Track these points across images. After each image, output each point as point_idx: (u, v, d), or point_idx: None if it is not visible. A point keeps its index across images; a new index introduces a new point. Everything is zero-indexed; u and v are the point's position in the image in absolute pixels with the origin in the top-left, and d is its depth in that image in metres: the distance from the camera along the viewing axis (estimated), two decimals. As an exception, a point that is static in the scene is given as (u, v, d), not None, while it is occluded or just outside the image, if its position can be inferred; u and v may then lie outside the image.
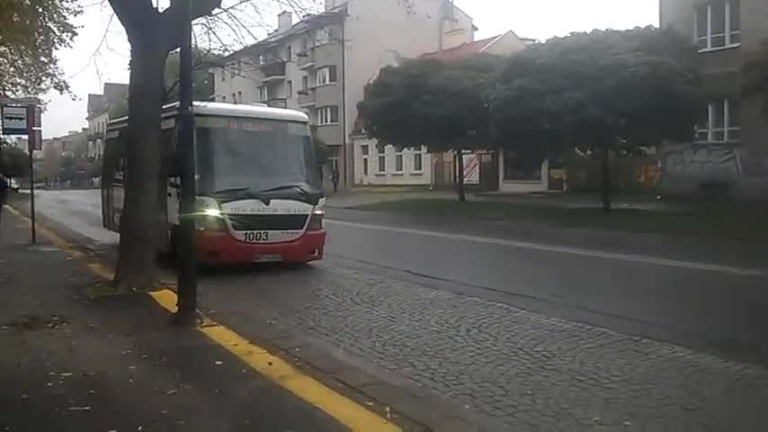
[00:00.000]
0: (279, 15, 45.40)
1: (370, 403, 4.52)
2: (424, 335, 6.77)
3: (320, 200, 11.55)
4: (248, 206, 10.63)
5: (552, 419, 4.51)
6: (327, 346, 6.34)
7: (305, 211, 11.20)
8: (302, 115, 12.62)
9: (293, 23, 47.17)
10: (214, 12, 10.53)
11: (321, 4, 27.67)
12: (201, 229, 9.47)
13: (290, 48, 55.36)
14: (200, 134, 9.81)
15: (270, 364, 5.44)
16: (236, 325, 6.75)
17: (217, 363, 5.55)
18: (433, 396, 4.97)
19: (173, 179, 10.22)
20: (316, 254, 11.42)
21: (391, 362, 5.86)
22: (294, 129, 12.13)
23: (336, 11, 45.42)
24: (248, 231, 10.62)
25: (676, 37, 21.15)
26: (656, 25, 23.67)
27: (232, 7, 11.94)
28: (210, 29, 12.44)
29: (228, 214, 10.51)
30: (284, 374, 5.19)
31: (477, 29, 54.69)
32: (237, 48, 14.84)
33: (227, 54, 16.94)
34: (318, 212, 11.44)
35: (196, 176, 9.01)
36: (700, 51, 22.13)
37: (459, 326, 7.11)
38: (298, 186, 11.37)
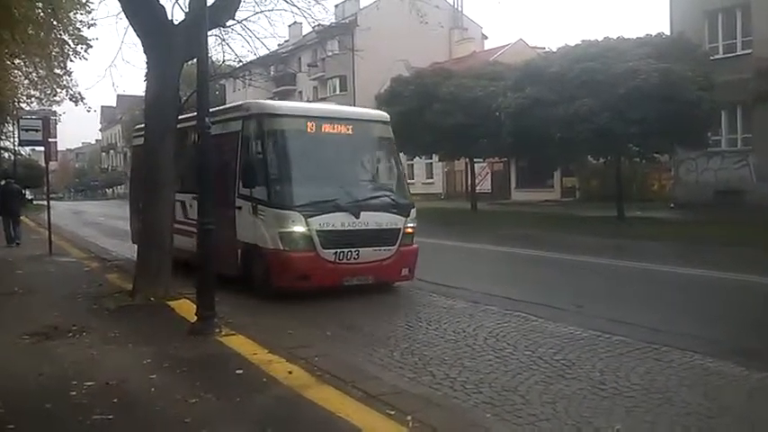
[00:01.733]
0: (289, 26, 45.65)
1: (392, 412, 4.54)
2: (441, 344, 6.78)
3: (411, 211, 10.17)
4: (337, 220, 9.29)
5: (573, 428, 4.50)
6: (347, 355, 6.35)
7: (397, 224, 9.83)
8: (385, 115, 11.09)
9: (303, 34, 47.46)
10: (228, 23, 10.66)
11: (332, 14, 27.91)
12: (286, 249, 9.03)
13: (300, 58, 55.70)
14: (277, 137, 9.56)
15: (290, 372, 5.47)
16: (256, 334, 6.78)
17: (237, 372, 5.58)
18: (454, 405, 4.98)
19: (245, 190, 9.53)
20: (407, 273, 10.00)
21: (410, 371, 5.87)
22: (378, 130, 10.70)
23: (346, 21, 45.62)
24: (338, 250, 9.23)
25: (687, 44, 21.10)
26: (667, 32, 23.61)
27: (246, 19, 12.10)
28: (224, 40, 12.61)
29: (317, 230, 9.11)
30: (304, 383, 5.21)
31: (486, 37, 54.77)
32: (250, 58, 15.02)
33: (239, 65, 17.15)
34: (411, 226, 10.05)
35: (276, 187, 9.32)
36: (711, 58, 22.05)
37: (476, 335, 7.11)
38: (388, 196, 10.15)
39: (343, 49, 36.03)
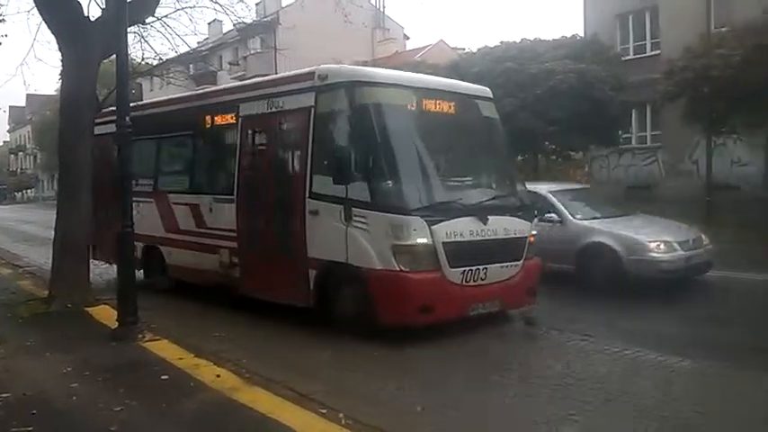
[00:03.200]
0: (210, 24, 44.70)
1: (324, 411, 4.55)
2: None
3: (534, 213, 8.16)
4: (465, 228, 6.97)
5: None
6: (276, 356, 6.31)
7: (524, 231, 7.60)
8: (488, 90, 8.52)
9: (224, 32, 46.56)
10: (148, 20, 10.39)
11: (254, 11, 27.53)
12: (403, 269, 6.59)
13: (221, 56, 54.54)
14: (378, 116, 7.01)
15: (218, 376, 5.39)
16: (181, 338, 6.63)
17: (162, 377, 5.46)
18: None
19: (325, 188, 7.10)
20: (531, 296, 7.71)
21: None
22: (487, 108, 8.25)
23: (268, 19, 45.11)
24: (465, 268, 6.92)
25: (601, 46, 21.97)
26: (582, 34, 24.50)
27: (166, 16, 11.80)
28: (143, 38, 12.25)
29: (443, 242, 6.79)
30: (233, 386, 5.15)
31: (408, 38, 55.14)
32: (171, 56, 14.66)
33: (157, 63, 16.69)
34: (534, 233, 7.84)
35: (385, 184, 6.77)
36: (623, 59, 23.03)
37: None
38: (512, 195, 8.03)
39: (265, 47, 35.52)
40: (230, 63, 53.21)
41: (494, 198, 7.63)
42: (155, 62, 15.37)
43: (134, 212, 7.16)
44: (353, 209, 6.85)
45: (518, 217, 7.61)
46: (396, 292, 6.63)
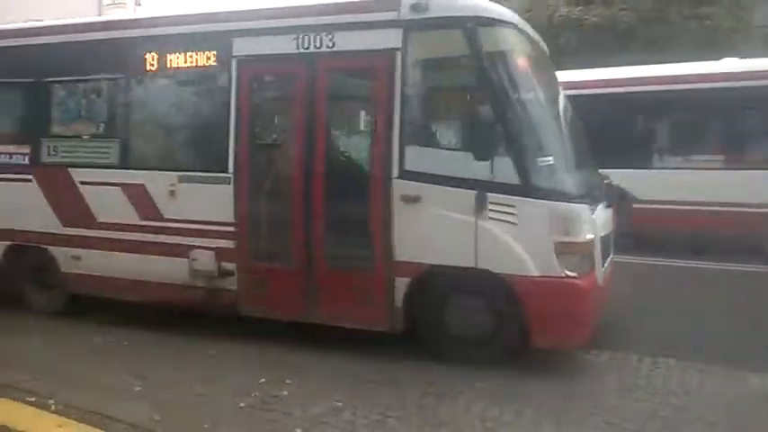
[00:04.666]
0: None
1: (32, 399, 4.36)
2: None
3: None
4: (600, 218, 5.44)
5: None
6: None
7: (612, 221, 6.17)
8: None
9: None
10: None
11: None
12: (570, 275, 4.84)
13: None
14: (524, 68, 5.28)
15: None
16: None
17: None
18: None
19: (425, 163, 5.11)
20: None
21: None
22: None
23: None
24: (603, 269, 5.42)
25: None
26: None
27: None
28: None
29: (600, 236, 5.26)
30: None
31: (140, 4, 49.66)
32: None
33: None
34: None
35: (544, 159, 4.86)
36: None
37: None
38: (603, 175, 6.39)
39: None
40: None
41: (600, 180, 6.17)
42: None
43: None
44: (491, 194, 4.93)
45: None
46: (566, 306, 4.85)
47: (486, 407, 4.39)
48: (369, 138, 5.52)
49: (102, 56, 6.40)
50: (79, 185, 6.44)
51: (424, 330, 5.31)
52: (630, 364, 5.32)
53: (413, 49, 5.17)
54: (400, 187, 5.16)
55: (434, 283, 5.19)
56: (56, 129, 6.69)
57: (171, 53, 6.02)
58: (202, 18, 6.04)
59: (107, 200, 6.32)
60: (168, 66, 6.06)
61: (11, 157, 6.77)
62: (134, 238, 6.19)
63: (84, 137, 6.56)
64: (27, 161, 6.70)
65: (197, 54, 5.92)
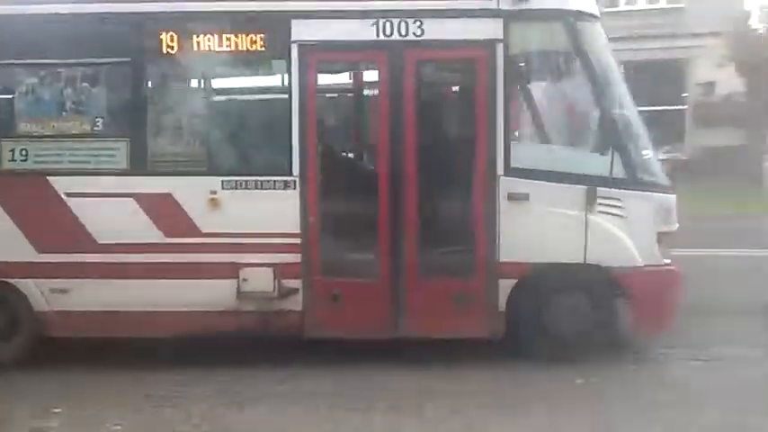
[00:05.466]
0: None
1: None
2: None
3: None
4: None
5: None
6: None
7: None
8: None
9: None
10: None
11: None
12: (667, 262, 5.00)
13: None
14: (614, 64, 5.31)
15: None
16: None
17: None
18: None
19: (530, 159, 5.02)
20: None
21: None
22: None
23: None
24: None
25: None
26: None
27: None
28: None
29: None
30: None
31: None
32: None
33: None
34: None
35: (645, 153, 5.02)
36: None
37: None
38: None
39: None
40: None
41: None
42: None
43: None
44: (600, 189, 4.92)
45: None
46: (665, 293, 5.03)
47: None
48: (468, 134, 5.15)
49: (107, 33, 5.07)
50: (65, 198, 5.05)
51: (524, 331, 5.10)
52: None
53: (514, 40, 4.96)
54: (507, 185, 4.93)
55: (538, 283, 5.02)
56: (25, 126, 5.15)
57: (209, 33, 4.98)
58: None
59: (112, 215, 5.04)
60: (206, 48, 5.00)
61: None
62: (154, 261, 5.02)
63: (73, 135, 5.14)
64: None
65: (243, 36, 4.98)
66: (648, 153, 5.20)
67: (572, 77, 5.16)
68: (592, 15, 5.22)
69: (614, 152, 4.93)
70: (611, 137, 5.00)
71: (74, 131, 5.11)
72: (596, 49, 5.14)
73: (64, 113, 5.12)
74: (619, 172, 4.95)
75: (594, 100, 5.05)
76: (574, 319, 5.11)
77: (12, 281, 5.11)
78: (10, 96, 5.14)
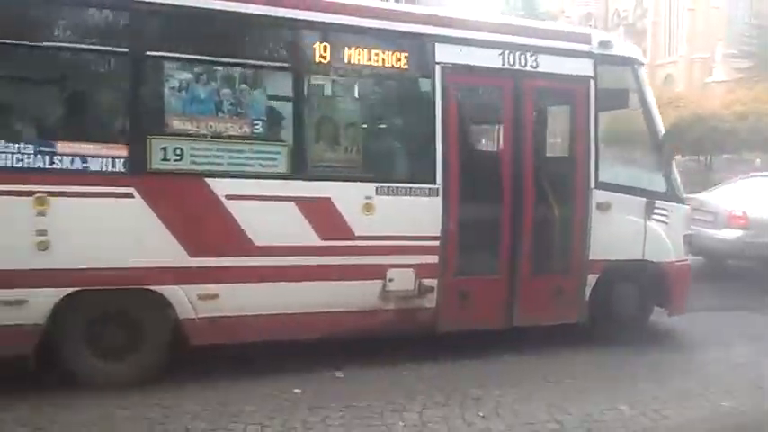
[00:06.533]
0: None
1: None
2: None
3: None
4: None
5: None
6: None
7: None
8: None
9: None
10: None
11: None
12: (686, 258, 6.67)
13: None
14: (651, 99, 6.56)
15: None
16: None
17: None
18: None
19: (630, 178, 6.39)
20: None
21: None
22: None
23: None
24: None
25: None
26: None
27: None
28: None
29: None
30: None
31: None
32: None
33: None
34: None
35: (674, 172, 6.46)
36: None
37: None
38: None
39: None
40: None
41: None
42: None
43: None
44: (655, 201, 6.34)
45: None
46: (687, 282, 6.63)
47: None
48: (570, 152, 6.22)
49: (270, 37, 5.03)
50: (224, 200, 4.90)
51: (599, 317, 6.26)
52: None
53: (600, 78, 6.13)
54: (597, 196, 6.11)
55: (610, 276, 6.23)
56: (179, 124, 4.84)
57: (365, 48, 5.26)
58: (405, 17, 5.46)
59: (272, 218, 5.03)
60: (362, 62, 5.27)
61: (85, 162, 4.58)
62: (310, 263, 5.13)
63: (231, 137, 4.97)
64: (123, 168, 4.66)
65: (395, 53, 5.36)
66: (676, 174, 6.68)
67: (635, 109, 6.48)
68: (642, 63, 6.67)
69: (663, 172, 6.42)
70: (661, 158, 6.47)
71: (232, 133, 4.97)
72: (647, 89, 6.54)
73: (220, 114, 4.94)
74: (663, 187, 6.47)
75: (648, 127, 6.46)
76: (628, 305, 6.42)
77: (156, 288, 4.78)
78: (162, 92, 4.80)
